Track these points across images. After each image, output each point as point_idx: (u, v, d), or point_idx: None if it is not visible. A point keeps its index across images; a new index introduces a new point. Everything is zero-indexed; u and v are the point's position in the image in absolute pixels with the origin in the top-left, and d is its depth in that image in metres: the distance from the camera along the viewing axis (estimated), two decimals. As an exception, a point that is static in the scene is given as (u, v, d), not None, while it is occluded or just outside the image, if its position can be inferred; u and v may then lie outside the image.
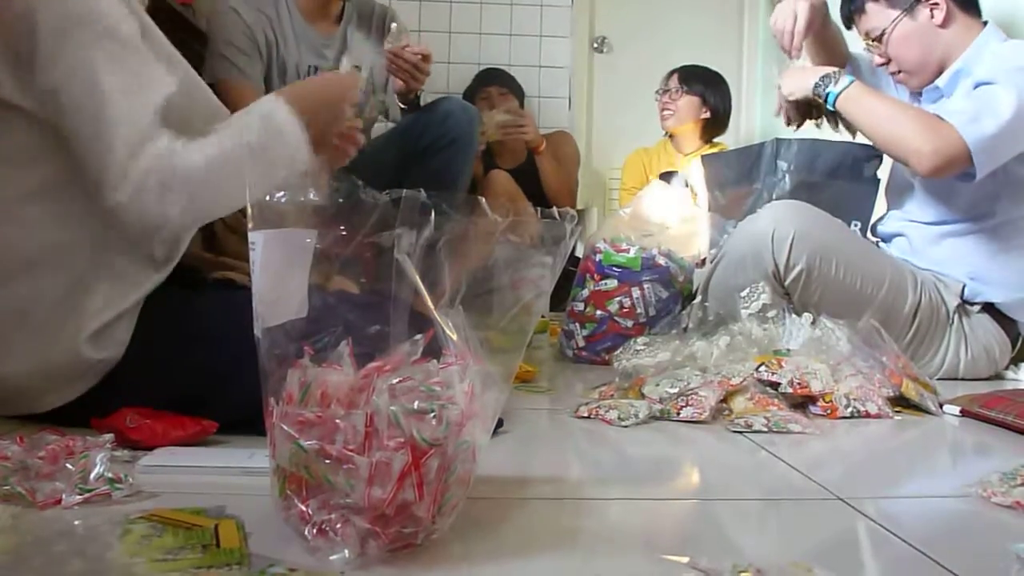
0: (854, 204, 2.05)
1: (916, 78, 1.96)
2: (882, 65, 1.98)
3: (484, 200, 0.85)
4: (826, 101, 1.84)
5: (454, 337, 0.77)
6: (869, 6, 1.93)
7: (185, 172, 1.07)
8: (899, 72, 1.96)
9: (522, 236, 0.89)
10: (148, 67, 1.11)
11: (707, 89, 3.14)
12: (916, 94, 2.00)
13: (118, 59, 1.08)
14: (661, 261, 2.02)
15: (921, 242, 1.97)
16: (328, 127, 1.24)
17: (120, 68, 1.08)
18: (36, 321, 1.13)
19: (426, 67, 2.20)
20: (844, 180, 2.04)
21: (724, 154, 2.57)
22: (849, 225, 1.97)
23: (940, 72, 1.92)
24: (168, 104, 1.10)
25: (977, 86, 1.77)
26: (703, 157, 2.42)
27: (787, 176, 2.07)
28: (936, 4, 1.88)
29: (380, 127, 2.51)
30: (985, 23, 1.91)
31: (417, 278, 0.77)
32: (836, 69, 1.87)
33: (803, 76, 1.90)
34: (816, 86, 1.85)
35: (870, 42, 1.96)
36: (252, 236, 0.79)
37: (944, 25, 1.88)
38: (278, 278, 0.80)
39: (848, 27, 2.02)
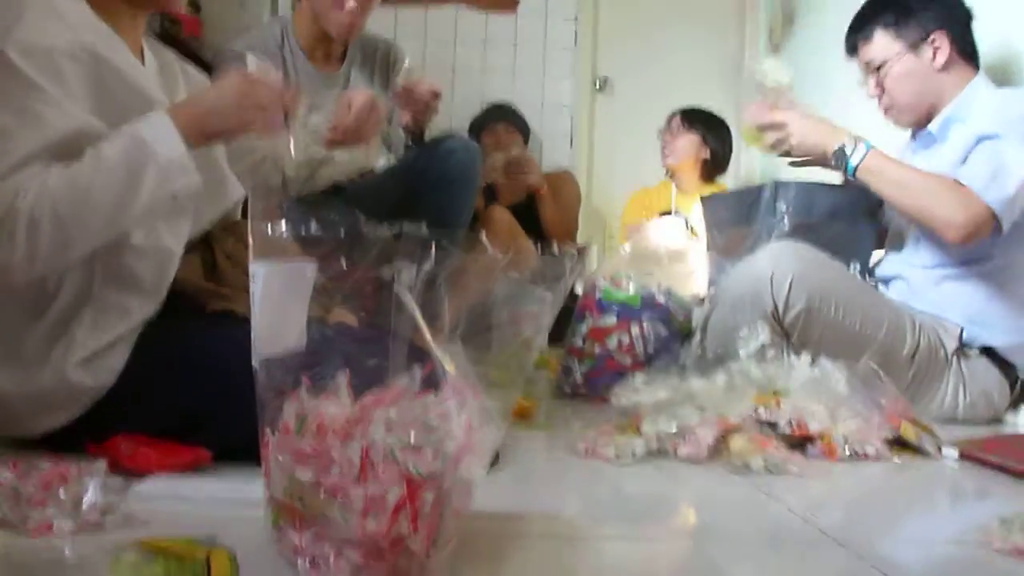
0: (852, 246, 2.05)
1: (905, 116, 1.99)
2: (874, 97, 2.00)
3: (484, 236, 0.85)
4: (845, 170, 1.85)
5: (452, 371, 0.77)
6: (878, 34, 1.96)
7: (32, 215, 1.04)
8: (890, 108, 1.99)
9: (522, 272, 0.89)
10: (42, 107, 1.08)
11: (708, 130, 3.18)
12: (911, 137, 2.03)
13: (4, 95, 1.07)
14: (661, 299, 2.02)
15: (920, 285, 1.97)
16: (246, 126, 1.21)
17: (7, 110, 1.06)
18: (21, 346, 1.13)
19: (436, 104, 2.22)
20: (842, 222, 2.04)
21: (723, 195, 2.59)
22: (848, 267, 1.98)
23: (928, 115, 1.96)
24: (69, 142, 1.09)
25: (980, 140, 1.79)
26: (702, 197, 2.43)
27: (786, 218, 2.08)
28: (940, 47, 1.91)
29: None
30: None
31: (417, 312, 0.77)
32: (850, 136, 1.86)
33: (818, 135, 1.88)
34: (834, 156, 1.85)
35: (868, 73, 1.99)
36: (252, 268, 0.80)
37: (944, 69, 1.92)
38: (277, 310, 0.80)
39: (851, 53, 2.04)
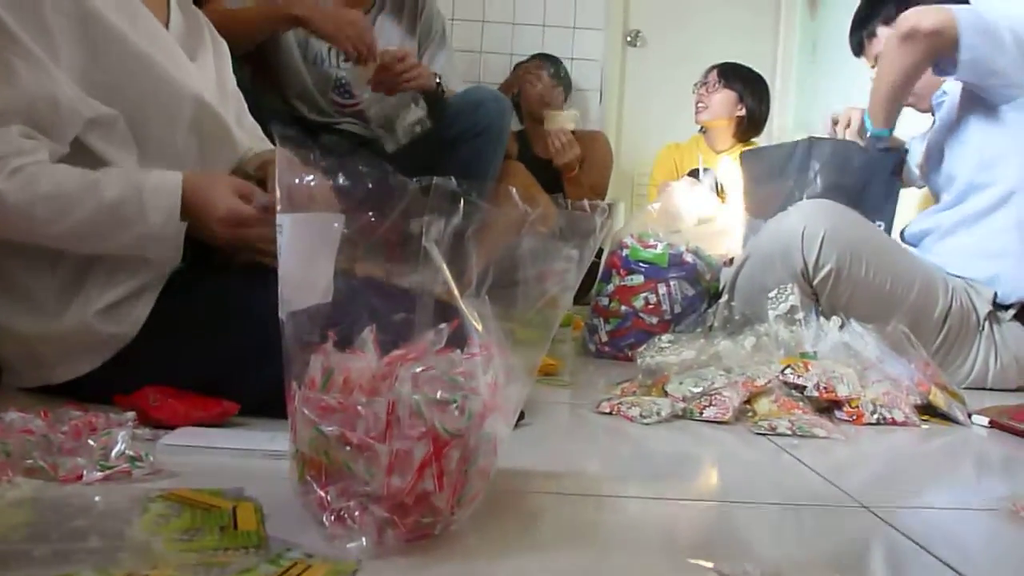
0: (876, 204, 2.02)
1: (924, 102, 2.05)
2: None
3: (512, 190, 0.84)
4: (870, 131, 1.96)
5: (479, 327, 0.76)
6: (880, 31, 2.03)
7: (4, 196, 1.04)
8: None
9: (542, 228, 0.87)
10: (19, 62, 1.06)
11: (745, 88, 3.11)
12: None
13: None
14: (688, 258, 2.00)
15: (945, 232, 1.95)
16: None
17: None
18: (39, 296, 1.15)
19: (402, 67, 2.16)
20: (872, 182, 2.02)
21: (763, 149, 2.53)
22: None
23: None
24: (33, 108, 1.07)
25: None
26: (743, 153, 2.38)
27: (818, 177, 2.05)
28: None
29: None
30: None
31: (445, 267, 0.76)
32: None
33: None
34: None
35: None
36: (280, 219, 0.79)
37: None
38: (304, 262, 0.79)
39: (857, 54, 2.08)
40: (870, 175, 2.01)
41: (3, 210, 1.05)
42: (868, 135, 1.95)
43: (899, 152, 2.03)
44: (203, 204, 1.14)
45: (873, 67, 2.05)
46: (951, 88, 1.96)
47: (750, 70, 3.16)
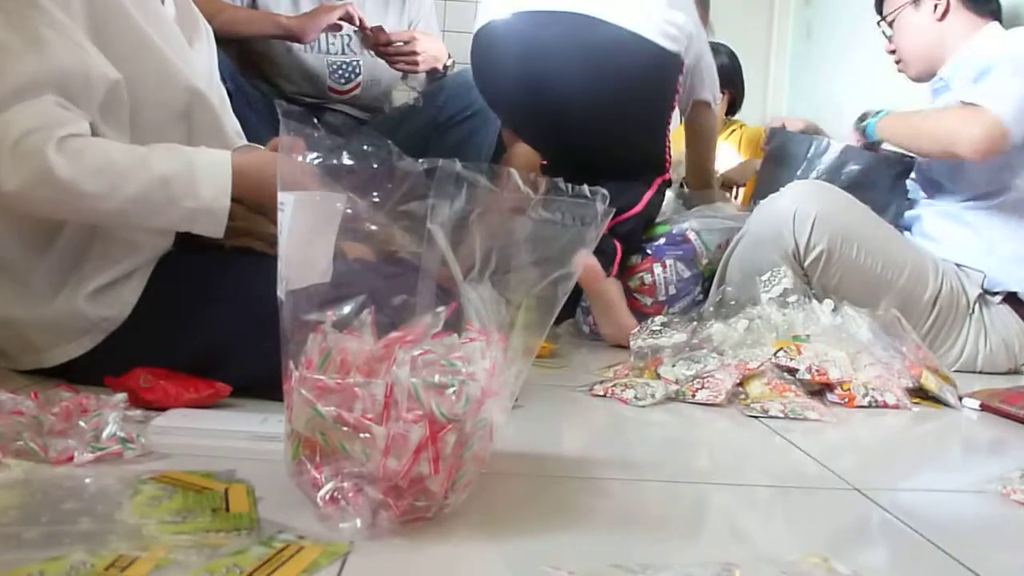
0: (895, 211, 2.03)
1: (912, 68, 2.05)
2: (890, 52, 2.08)
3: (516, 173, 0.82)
4: (867, 134, 1.98)
5: (478, 311, 0.76)
6: None
7: (53, 170, 1.00)
8: (899, 61, 2.07)
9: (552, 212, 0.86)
10: (49, 32, 1.04)
11: (731, 76, 3.09)
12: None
13: (15, 19, 1.03)
14: (691, 236, 2.00)
15: (936, 223, 1.95)
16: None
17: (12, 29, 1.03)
18: (31, 277, 1.13)
19: (413, 48, 2.17)
20: (870, 191, 2.00)
21: (792, 133, 2.47)
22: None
23: (935, 66, 2.00)
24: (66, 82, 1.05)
25: (979, 77, 1.80)
26: (775, 130, 2.32)
27: (819, 178, 2.04)
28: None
29: (400, 94, 2.48)
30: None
31: (449, 250, 0.75)
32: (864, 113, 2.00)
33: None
34: (857, 123, 1.98)
35: (884, 25, 2.06)
36: (282, 197, 0.78)
37: (943, 19, 1.95)
38: (305, 241, 0.78)
39: (880, 12, 2.08)
40: (867, 184, 2.00)
41: (54, 185, 1.01)
42: (867, 137, 1.99)
43: (906, 168, 2.04)
44: (257, 182, 1.12)
45: (881, 26, 2.06)
46: (949, 76, 1.95)
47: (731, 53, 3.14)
